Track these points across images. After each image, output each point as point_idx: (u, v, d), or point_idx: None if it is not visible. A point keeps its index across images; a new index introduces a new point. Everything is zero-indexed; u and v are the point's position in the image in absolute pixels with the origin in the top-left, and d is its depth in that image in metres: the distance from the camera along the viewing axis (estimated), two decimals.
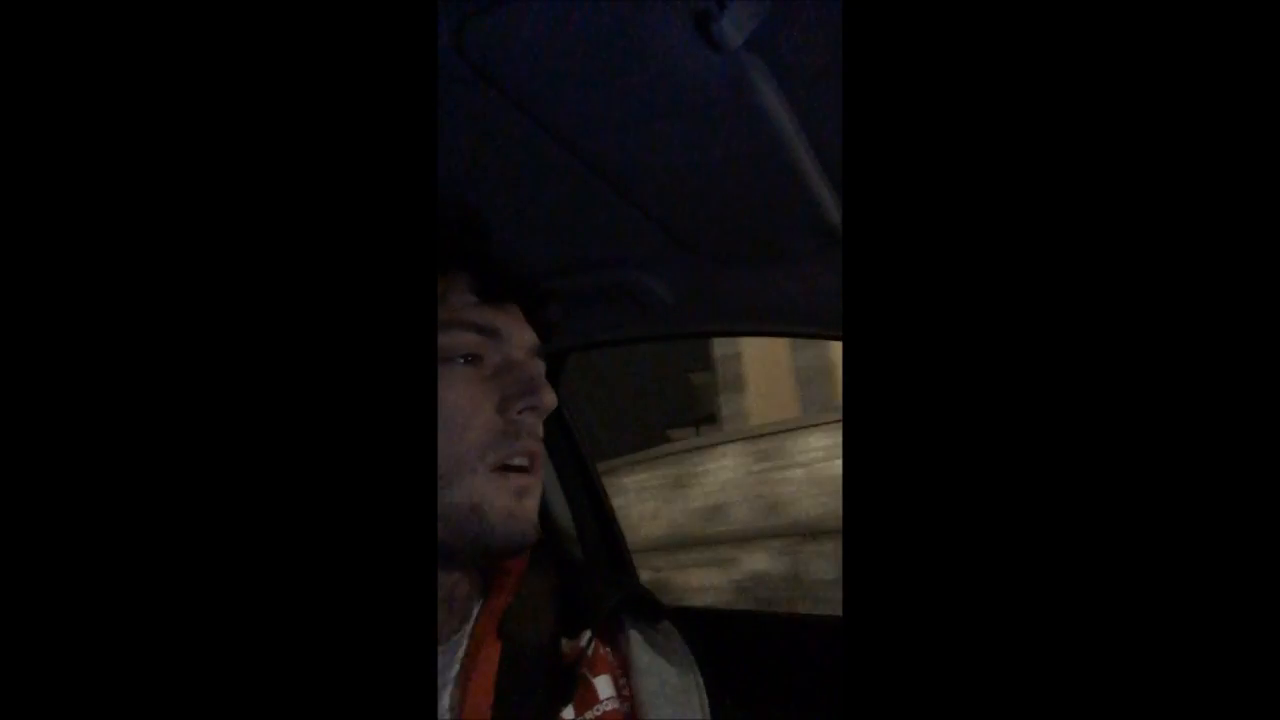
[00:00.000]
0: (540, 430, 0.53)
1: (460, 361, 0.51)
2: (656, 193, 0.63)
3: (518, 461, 0.51)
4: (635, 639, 0.57)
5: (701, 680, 0.56)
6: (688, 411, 9.72)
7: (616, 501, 1.36)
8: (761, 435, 6.58)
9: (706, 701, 0.55)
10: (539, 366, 0.54)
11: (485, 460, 0.50)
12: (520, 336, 0.54)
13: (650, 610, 0.59)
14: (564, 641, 0.54)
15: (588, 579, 0.62)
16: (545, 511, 1.18)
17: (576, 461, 1.24)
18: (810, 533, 5.87)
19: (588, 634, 0.53)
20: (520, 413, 0.51)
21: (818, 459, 6.08)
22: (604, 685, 0.53)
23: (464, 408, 0.50)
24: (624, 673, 0.54)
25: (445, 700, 0.48)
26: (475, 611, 0.54)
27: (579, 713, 0.50)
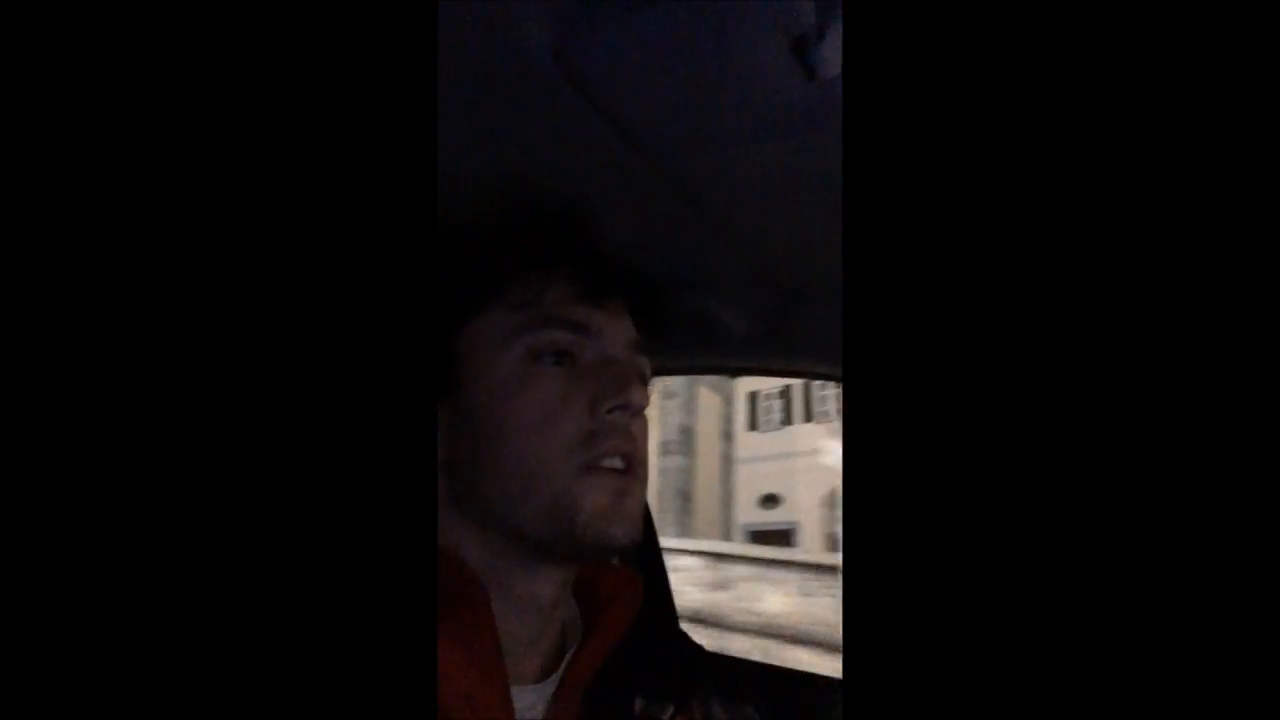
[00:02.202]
0: (637, 430, 0.51)
1: (550, 359, 0.50)
2: (740, 219, 0.63)
3: (609, 463, 0.49)
4: (718, 714, 0.56)
5: None
6: None
7: None
8: None
9: None
10: (636, 364, 0.53)
11: (574, 459, 0.48)
12: (618, 334, 0.52)
13: (734, 689, 0.57)
14: (640, 702, 0.52)
15: (681, 649, 0.60)
16: None
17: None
18: None
19: (671, 708, 0.52)
20: (610, 411, 0.49)
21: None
22: None
23: (552, 406, 0.49)
24: None
25: None
26: (568, 658, 0.52)
27: None
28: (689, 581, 8.71)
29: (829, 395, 14.29)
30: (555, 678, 0.50)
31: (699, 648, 0.64)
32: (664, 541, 1.18)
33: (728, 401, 15.39)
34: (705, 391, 14.57)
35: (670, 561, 1.16)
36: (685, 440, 14.12)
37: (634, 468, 0.50)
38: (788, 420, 15.06)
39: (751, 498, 14.87)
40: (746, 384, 14.91)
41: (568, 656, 0.52)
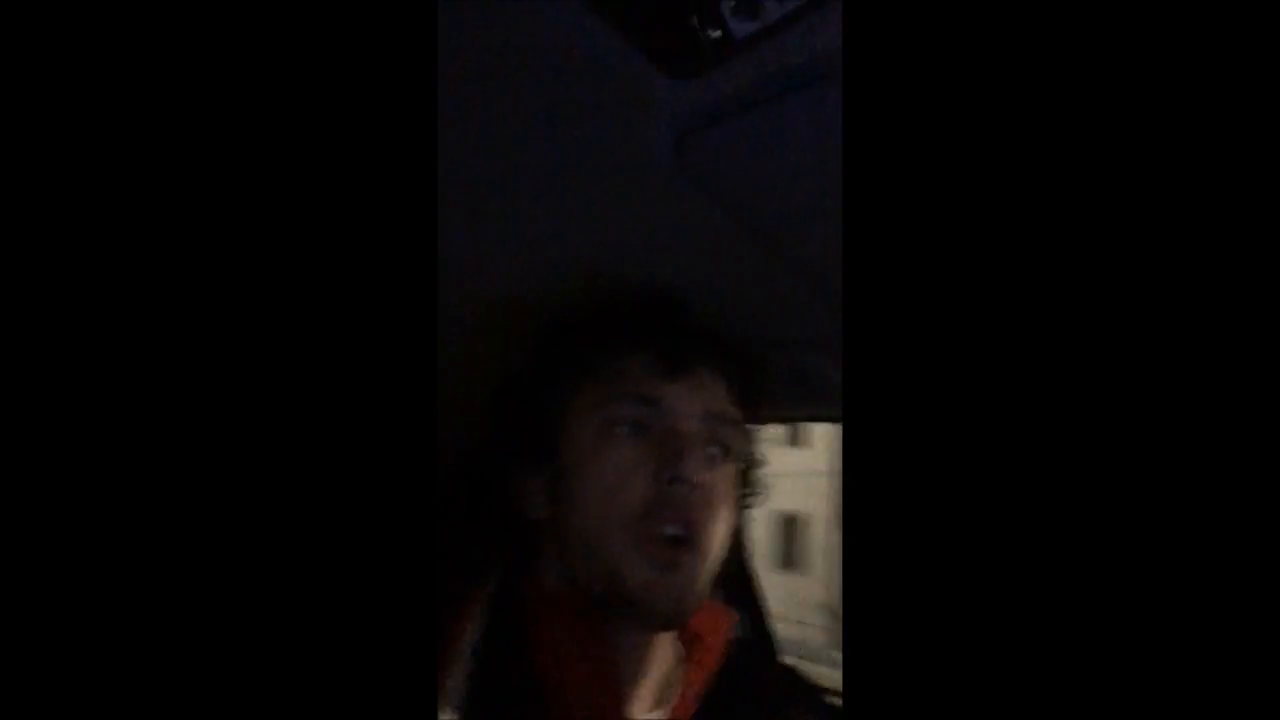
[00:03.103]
0: (702, 502, 0.54)
1: (624, 430, 0.54)
2: (831, 278, 0.64)
3: (669, 531, 0.52)
4: None
5: None
6: None
7: None
8: None
9: None
10: (708, 436, 0.56)
11: (632, 529, 0.51)
12: (694, 406, 0.55)
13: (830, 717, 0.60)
14: None
15: (783, 678, 0.63)
16: None
17: (733, 542, 1.22)
18: None
19: None
20: (670, 482, 0.52)
21: None
22: None
23: (617, 475, 0.52)
24: None
25: None
26: (678, 685, 0.56)
27: None
28: None
29: None
30: (667, 708, 0.55)
31: (800, 679, 0.66)
32: None
33: None
34: None
35: None
36: None
37: (692, 538, 0.53)
38: None
39: None
40: None
41: (675, 689, 0.56)
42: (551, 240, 0.60)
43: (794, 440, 12.32)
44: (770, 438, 0.70)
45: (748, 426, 0.59)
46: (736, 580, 1.21)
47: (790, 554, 12.99)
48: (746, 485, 0.62)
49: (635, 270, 0.64)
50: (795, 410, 0.99)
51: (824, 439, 12.07)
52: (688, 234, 0.58)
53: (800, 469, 11.87)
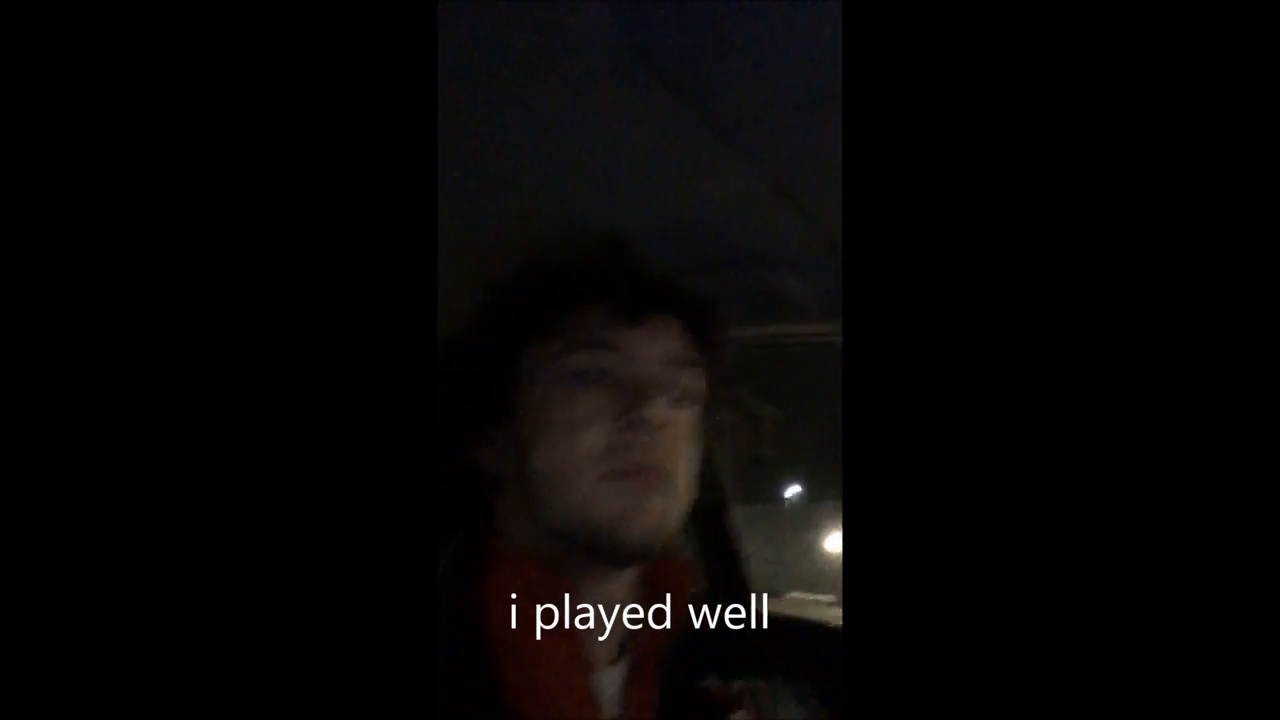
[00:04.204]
0: (665, 440, 0.54)
1: (585, 378, 0.54)
2: (811, 188, 0.63)
3: (636, 466, 0.52)
4: (783, 690, 0.59)
5: None
6: None
7: None
8: None
9: None
10: (668, 380, 0.55)
11: (598, 466, 0.52)
12: (651, 351, 0.55)
13: (800, 666, 0.61)
14: (712, 679, 0.56)
15: (751, 627, 0.64)
16: None
17: (707, 488, 1.22)
18: None
19: (739, 683, 0.56)
20: (632, 426, 0.52)
21: None
22: None
23: (578, 420, 0.52)
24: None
25: (610, 712, 0.52)
26: (640, 639, 0.56)
27: None
28: None
29: None
30: (626, 660, 0.55)
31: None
32: None
33: None
34: None
35: None
36: None
37: (660, 473, 0.53)
38: None
39: None
40: None
41: (635, 643, 0.56)
42: (506, 149, 0.57)
43: None
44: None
45: (709, 369, 0.59)
46: (711, 530, 1.21)
47: None
48: (709, 428, 0.61)
49: (585, 173, 0.61)
50: (763, 330, 0.96)
51: None
52: (649, 131, 0.55)
53: None
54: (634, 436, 0.52)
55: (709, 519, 1.21)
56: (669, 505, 0.54)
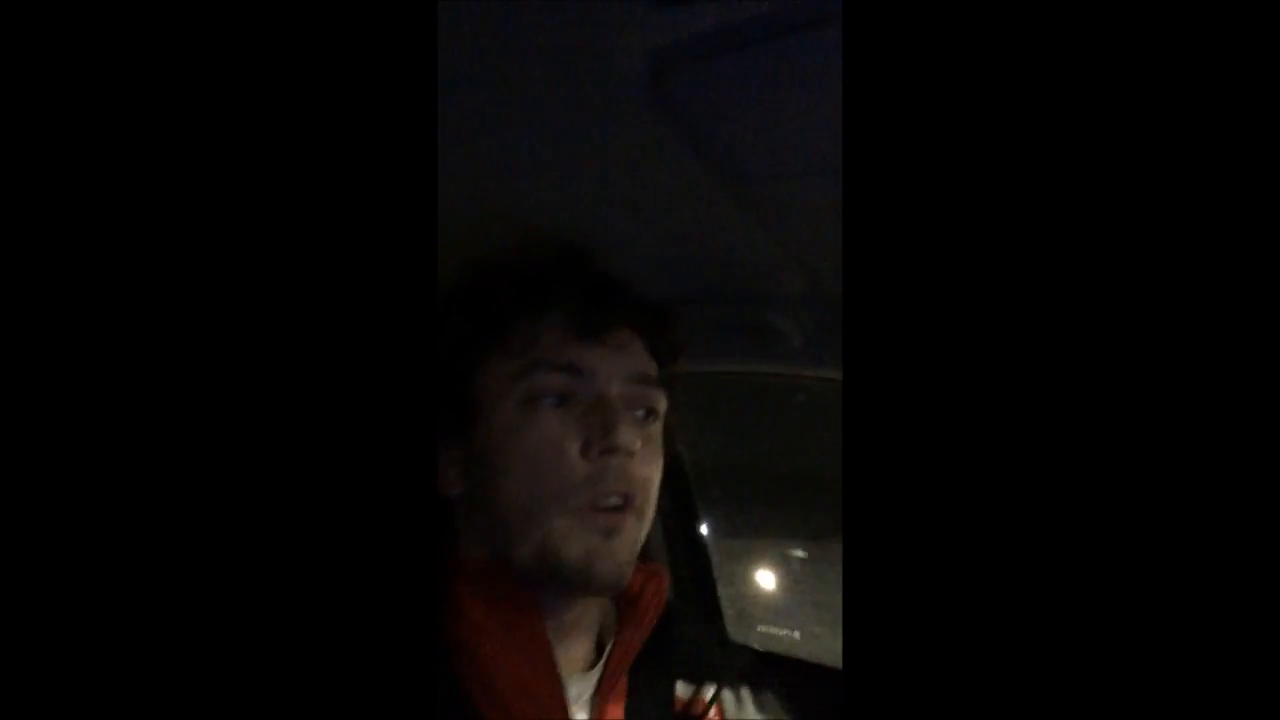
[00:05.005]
0: (636, 467, 0.52)
1: (550, 402, 0.51)
2: (805, 240, 0.64)
3: (606, 503, 0.50)
4: (747, 698, 0.59)
5: None
6: None
7: None
8: None
9: None
10: (636, 399, 0.54)
11: (569, 503, 0.50)
12: (616, 369, 0.53)
13: (764, 675, 0.61)
14: (681, 686, 0.56)
15: (717, 636, 0.64)
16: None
17: (679, 498, 1.21)
18: None
19: (713, 688, 0.55)
20: (601, 454, 0.50)
21: None
22: None
23: (546, 450, 0.50)
24: None
25: (582, 719, 0.51)
26: (610, 645, 0.55)
27: None
28: None
29: None
30: (599, 667, 0.53)
31: (729, 639, 0.67)
32: None
33: None
34: None
35: None
36: None
37: (631, 505, 0.51)
38: None
39: None
40: None
41: (608, 647, 0.54)
42: (515, 169, 0.56)
43: None
44: None
45: (666, 382, 0.57)
46: (682, 539, 1.21)
47: None
48: (668, 440, 0.59)
49: (593, 206, 0.60)
50: (747, 365, 0.98)
51: None
52: (656, 174, 0.55)
53: None
54: (606, 466, 0.50)
55: (678, 528, 1.21)
56: (640, 533, 0.53)
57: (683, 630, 0.59)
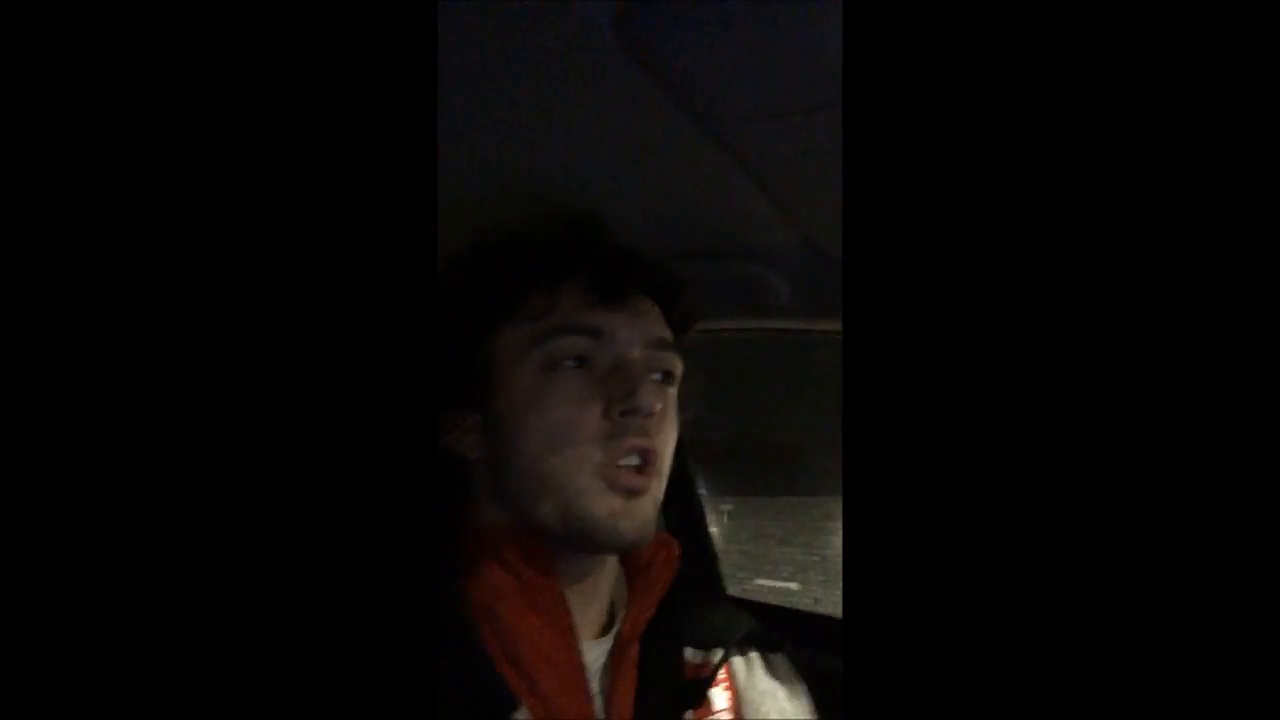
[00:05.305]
0: (655, 428, 0.53)
1: (570, 364, 0.52)
2: (791, 188, 0.62)
3: (625, 461, 0.52)
4: (756, 661, 0.60)
5: (811, 705, 0.60)
6: None
7: None
8: None
9: None
10: (654, 363, 0.55)
11: (590, 462, 0.51)
12: (635, 333, 0.54)
13: (771, 638, 0.62)
14: (690, 652, 0.57)
15: (723, 600, 0.66)
16: None
17: (678, 461, 1.22)
18: None
19: (720, 652, 0.57)
20: (621, 415, 0.51)
21: None
22: (719, 698, 0.56)
23: (568, 412, 0.51)
24: (741, 690, 0.59)
25: (594, 686, 0.52)
26: (621, 614, 0.57)
27: (698, 718, 0.54)
28: None
29: None
30: (613, 634, 0.55)
31: (736, 601, 0.67)
32: None
33: None
34: None
35: None
36: None
37: (652, 465, 0.53)
38: None
39: None
40: None
41: (620, 615, 0.56)
42: (482, 129, 0.54)
43: None
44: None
45: (680, 349, 0.59)
46: (681, 506, 1.22)
47: None
48: (682, 406, 0.61)
49: (567, 162, 0.59)
50: (737, 322, 0.96)
51: None
52: (634, 127, 0.53)
53: None
54: (627, 427, 0.51)
55: (680, 495, 1.22)
56: (660, 493, 0.54)
57: (687, 595, 0.60)
